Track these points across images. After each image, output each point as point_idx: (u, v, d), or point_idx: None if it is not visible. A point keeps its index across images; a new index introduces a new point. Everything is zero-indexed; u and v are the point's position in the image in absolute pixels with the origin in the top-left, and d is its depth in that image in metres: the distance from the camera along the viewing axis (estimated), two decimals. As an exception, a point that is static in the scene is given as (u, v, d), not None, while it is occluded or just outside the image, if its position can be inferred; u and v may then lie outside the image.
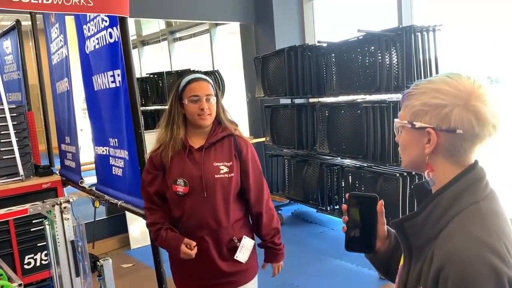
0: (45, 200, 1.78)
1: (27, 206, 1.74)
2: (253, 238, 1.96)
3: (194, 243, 1.78)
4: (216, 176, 1.82)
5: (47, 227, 1.83)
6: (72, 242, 1.79)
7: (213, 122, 1.88)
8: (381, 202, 1.08)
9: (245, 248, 1.88)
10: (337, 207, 4.32)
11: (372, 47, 3.64)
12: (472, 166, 0.91)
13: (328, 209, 4.36)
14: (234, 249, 1.87)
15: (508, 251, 0.81)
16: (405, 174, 3.44)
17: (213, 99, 1.83)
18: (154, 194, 1.87)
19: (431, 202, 0.90)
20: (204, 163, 1.82)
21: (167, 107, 1.87)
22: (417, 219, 0.90)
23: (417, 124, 0.91)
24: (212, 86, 1.86)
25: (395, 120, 0.98)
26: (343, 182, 4.17)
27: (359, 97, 3.95)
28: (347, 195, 1.11)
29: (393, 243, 1.12)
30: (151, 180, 1.87)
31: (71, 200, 1.80)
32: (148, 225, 1.91)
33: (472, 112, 0.86)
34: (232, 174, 1.84)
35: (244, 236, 1.90)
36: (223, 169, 1.83)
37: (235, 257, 1.85)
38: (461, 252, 0.80)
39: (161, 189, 1.86)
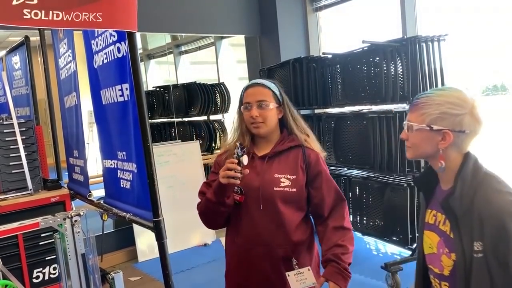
0: (56, 214, 1.79)
1: (38, 219, 1.75)
2: (318, 273, 1.76)
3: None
4: (275, 188, 1.67)
5: (58, 240, 1.83)
6: (82, 255, 1.79)
7: (284, 130, 1.78)
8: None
9: (301, 276, 1.64)
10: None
11: (377, 58, 3.65)
12: (468, 152, 1.27)
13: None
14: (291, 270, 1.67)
15: None
16: (413, 184, 3.43)
17: (268, 105, 1.69)
18: None
19: (458, 182, 1.23)
20: (265, 172, 1.69)
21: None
22: (455, 195, 1.23)
23: (435, 127, 1.24)
24: (271, 90, 1.73)
25: (410, 123, 1.29)
26: (350, 193, 4.16)
27: (365, 108, 3.96)
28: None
29: None
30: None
31: (81, 213, 1.81)
32: (200, 202, 1.74)
33: (475, 118, 1.23)
34: (294, 189, 1.68)
35: (309, 267, 1.67)
36: (284, 182, 1.67)
37: (286, 273, 1.64)
38: (504, 204, 1.16)
39: None
